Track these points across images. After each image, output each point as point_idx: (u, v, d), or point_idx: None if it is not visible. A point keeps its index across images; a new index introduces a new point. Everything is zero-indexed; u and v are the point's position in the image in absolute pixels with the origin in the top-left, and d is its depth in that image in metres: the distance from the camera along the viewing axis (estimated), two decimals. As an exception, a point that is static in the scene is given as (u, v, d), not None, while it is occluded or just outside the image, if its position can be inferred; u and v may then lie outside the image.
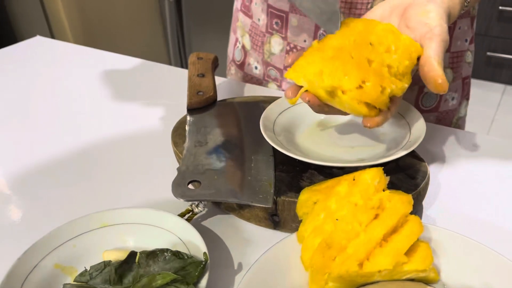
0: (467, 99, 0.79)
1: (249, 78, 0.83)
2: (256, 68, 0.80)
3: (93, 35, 1.93)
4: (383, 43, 0.45)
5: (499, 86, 2.64)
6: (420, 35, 0.45)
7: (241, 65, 0.83)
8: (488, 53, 2.53)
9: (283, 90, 0.78)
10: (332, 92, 0.43)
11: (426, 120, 0.74)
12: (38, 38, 1.04)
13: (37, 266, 0.42)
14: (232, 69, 0.87)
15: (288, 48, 0.72)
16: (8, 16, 2.01)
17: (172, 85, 0.84)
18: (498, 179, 0.56)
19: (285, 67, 0.75)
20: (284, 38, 0.72)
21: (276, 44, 0.74)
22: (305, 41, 0.70)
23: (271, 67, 0.77)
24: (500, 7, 2.37)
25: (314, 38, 0.69)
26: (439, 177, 0.56)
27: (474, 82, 2.50)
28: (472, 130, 0.66)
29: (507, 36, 2.46)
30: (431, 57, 0.43)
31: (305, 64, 0.45)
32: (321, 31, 0.67)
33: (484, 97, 2.53)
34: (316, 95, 0.45)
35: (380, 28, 0.46)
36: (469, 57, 0.74)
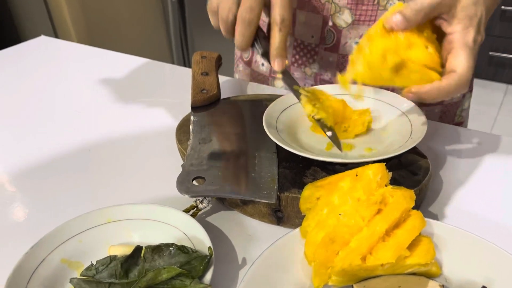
0: (471, 91, 0.80)
1: (256, 75, 0.83)
2: (262, 65, 0.81)
3: (96, 35, 1.94)
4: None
5: (501, 86, 2.64)
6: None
7: (249, 62, 0.84)
8: (491, 53, 2.52)
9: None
10: (399, 66, 0.45)
11: (431, 112, 0.75)
12: (42, 38, 1.05)
13: (44, 260, 0.42)
14: (240, 66, 0.87)
15: (295, 44, 0.73)
16: (12, 16, 2.02)
17: (175, 83, 0.84)
18: (500, 175, 0.56)
19: (292, 63, 0.75)
20: (292, 34, 0.73)
21: None
22: (312, 36, 0.70)
23: None
24: (503, 7, 2.36)
25: (321, 34, 0.69)
26: (442, 174, 0.56)
27: (476, 82, 2.49)
28: (475, 129, 0.66)
29: (509, 36, 2.46)
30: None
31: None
32: (328, 27, 0.68)
33: (487, 96, 2.53)
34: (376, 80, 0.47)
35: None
36: None
